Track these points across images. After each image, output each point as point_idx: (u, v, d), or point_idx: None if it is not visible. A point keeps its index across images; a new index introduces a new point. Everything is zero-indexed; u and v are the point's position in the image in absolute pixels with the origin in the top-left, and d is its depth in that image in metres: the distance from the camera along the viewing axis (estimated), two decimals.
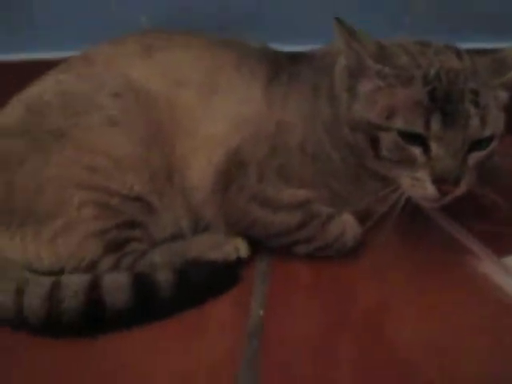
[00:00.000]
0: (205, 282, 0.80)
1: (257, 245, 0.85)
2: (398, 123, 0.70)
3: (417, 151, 0.71)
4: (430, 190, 0.71)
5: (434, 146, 0.69)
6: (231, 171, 0.82)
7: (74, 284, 0.74)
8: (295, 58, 0.87)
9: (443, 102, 0.69)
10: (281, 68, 0.85)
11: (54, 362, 0.71)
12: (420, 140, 0.70)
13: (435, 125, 0.68)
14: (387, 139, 0.71)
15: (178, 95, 0.83)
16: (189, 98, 0.83)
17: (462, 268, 0.80)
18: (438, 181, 0.70)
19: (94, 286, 0.74)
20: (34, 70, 0.86)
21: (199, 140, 0.83)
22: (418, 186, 0.72)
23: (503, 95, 0.75)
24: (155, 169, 0.81)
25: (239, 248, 0.83)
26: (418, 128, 0.69)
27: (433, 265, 0.83)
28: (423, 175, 0.71)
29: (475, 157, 0.72)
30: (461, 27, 0.95)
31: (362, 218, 0.84)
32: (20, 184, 0.78)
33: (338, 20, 0.72)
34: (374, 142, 0.73)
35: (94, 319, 0.74)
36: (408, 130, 0.69)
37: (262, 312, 0.77)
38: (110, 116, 0.80)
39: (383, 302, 0.79)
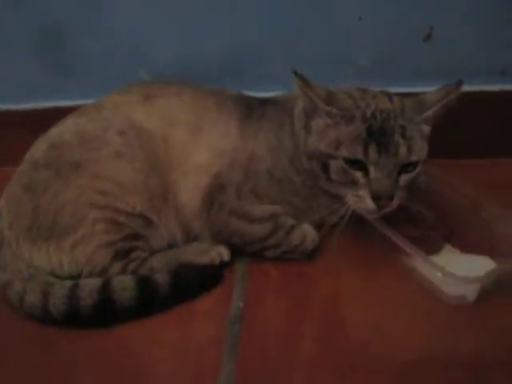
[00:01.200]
0: (195, 281, 0.92)
1: (236, 251, 0.98)
2: (344, 152, 0.84)
3: (358, 174, 0.85)
4: (370, 204, 0.85)
5: (372, 170, 0.84)
6: (214, 192, 0.95)
7: (89, 285, 0.86)
8: (264, 101, 1.01)
9: (378, 135, 0.83)
10: (252, 109, 0.98)
11: (73, 348, 0.85)
12: (361, 165, 0.84)
13: (372, 153, 0.83)
14: (335, 165, 0.86)
15: (171, 133, 0.95)
16: (180, 135, 0.95)
17: (399, 264, 0.93)
18: (376, 197, 0.84)
19: (105, 287, 0.86)
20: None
21: (188, 168, 0.95)
22: (360, 201, 0.86)
23: (426, 128, 0.89)
24: (153, 191, 0.93)
25: (222, 253, 0.95)
26: (359, 156, 0.83)
27: (376, 262, 0.96)
28: (364, 193, 0.85)
29: (405, 178, 0.86)
30: (394, 76, 1.10)
31: (319, 226, 0.98)
32: (45, 206, 0.89)
33: (295, 72, 0.85)
34: (325, 168, 0.87)
35: (105, 314, 0.85)
36: (351, 157, 0.84)
37: (241, 304, 0.90)
38: (117, 150, 0.91)
39: (338, 293, 0.92)
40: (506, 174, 1.16)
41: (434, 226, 0.98)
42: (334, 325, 0.87)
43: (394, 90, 0.93)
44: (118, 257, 0.91)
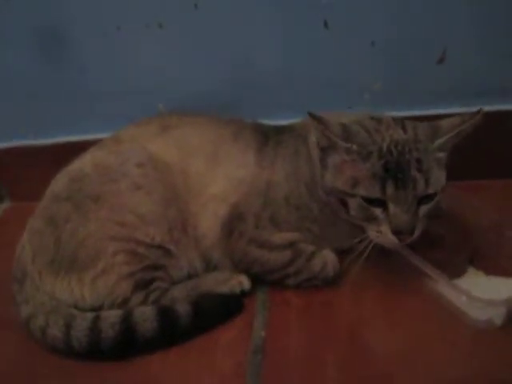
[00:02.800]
0: (216, 311, 0.92)
1: (257, 280, 0.97)
2: (361, 191, 0.83)
3: (377, 211, 0.84)
4: (391, 238, 0.84)
5: (391, 206, 0.82)
6: (233, 221, 0.95)
7: (111, 317, 0.86)
8: (279, 129, 1.02)
9: (395, 171, 0.81)
10: (268, 138, 0.99)
11: (94, 381, 0.84)
12: (379, 202, 0.83)
13: (389, 190, 0.81)
14: (353, 203, 0.85)
15: (188, 164, 0.96)
16: (197, 165, 0.96)
17: (423, 289, 0.92)
18: (397, 232, 0.83)
19: (127, 318, 0.86)
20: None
21: (207, 198, 0.96)
22: (382, 236, 0.85)
23: (442, 155, 0.86)
24: (172, 222, 0.94)
25: (242, 282, 0.95)
26: (377, 194, 0.82)
27: (400, 288, 0.94)
28: (385, 229, 0.84)
29: (424, 209, 0.85)
30: (408, 100, 1.10)
31: (341, 252, 0.97)
32: (66, 239, 0.90)
33: (311, 114, 0.84)
34: (344, 204, 0.87)
35: (126, 345, 0.85)
36: (369, 196, 0.83)
37: (263, 333, 0.89)
38: (135, 182, 0.92)
39: (360, 319, 0.91)
40: None
41: (456, 248, 0.96)
42: (357, 354, 0.85)
43: (408, 113, 0.95)
44: (139, 288, 0.91)
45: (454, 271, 0.93)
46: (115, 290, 0.91)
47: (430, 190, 0.83)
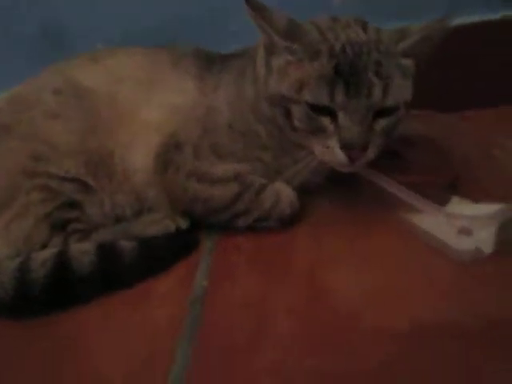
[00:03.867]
0: (165, 247, 0.81)
1: (204, 225, 0.85)
2: (306, 96, 0.71)
3: (325, 121, 0.72)
4: (339, 155, 0.72)
5: (341, 116, 0.70)
6: (168, 152, 0.84)
7: (43, 255, 0.76)
8: (227, 55, 0.90)
9: (347, 74, 0.69)
10: (213, 63, 0.89)
11: (10, 339, 0.73)
12: (328, 110, 0.71)
13: (339, 96, 0.69)
14: (298, 111, 0.73)
15: (118, 90, 0.86)
16: (128, 91, 0.86)
17: (395, 221, 0.78)
18: (346, 147, 0.71)
19: (62, 253, 0.75)
20: None
21: (138, 127, 0.85)
22: (328, 152, 0.73)
23: (407, 63, 0.74)
24: (92, 154, 0.84)
25: (177, 220, 0.83)
26: (324, 100, 0.70)
27: (366, 221, 0.81)
28: (333, 142, 0.72)
29: (382, 123, 0.72)
30: (383, 10, 0.96)
31: (299, 191, 0.84)
32: None
33: (248, 1, 0.71)
34: (288, 114, 0.74)
35: (61, 287, 0.74)
36: (315, 102, 0.71)
37: (205, 283, 0.77)
38: (50, 109, 0.84)
39: (320, 260, 0.77)
40: None
41: (438, 172, 0.81)
42: (316, 297, 0.71)
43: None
44: (56, 229, 0.81)
45: (434, 199, 0.75)
46: (33, 235, 0.81)
47: (389, 101, 0.71)
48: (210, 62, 0.89)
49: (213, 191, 0.81)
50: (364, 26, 0.75)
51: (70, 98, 0.85)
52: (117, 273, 0.76)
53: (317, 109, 0.71)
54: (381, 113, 0.72)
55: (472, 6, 0.93)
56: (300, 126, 0.73)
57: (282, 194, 0.82)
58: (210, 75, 0.87)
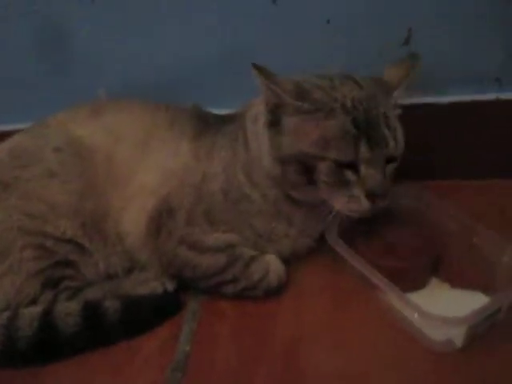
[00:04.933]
0: (149, 309, 0.82)
1: (191, 287, 0.86)
2: (333, 153, 0.74)
3: (348, 174, 0.75)
4: (364, 203, 0.75)
5: (364, 168, 0.74)
6: (161, 217, 0.84)
7: (30, 313, 0.78)
8: (222, 118, 0.91)
9: (365, 128, 0.74)
10: (207, 126, 0.89)
11: None
12: (351, 164, 0.74)
13: (364, 150, 0.73)
14: (324, 167, 0.75)
15: (115, 150, 0.86)
16: (125, 152, 0.86)
17: (374, 302, 0.80)
18: (371, 195, 0.75)
19: (48, 313, 0.77)
20: None
21: (133, 190, 0.86)
22: (353, 202, 0.76)
23: (397, 113, 0.80)
24: (88, 215, 0.84)
25: (165, 283, 0.84)
26: (351, 156, 0.74)
27: (347, 301, 0.82)
28: (358, 192, 0.75)
29: (389, 169, 0.77)
30: None
31: (286, 260, 0.86)
32: None
33: (256, 66, 0.74)
34: (309, 170, 0.76)
35: (47, 345, 0.76)
36: (343, 159, 0.74)
37: (188, 347, 0.78)
38: (49, 168, 0.84)
39: (300, 335, 0.79)
40: (503, 196, 0.99)
41: (418, 255, 0.83)
42: (292, 375, 0.73)
43: None
44: (48, 286, 0.82)
45: (414, 282, 0.80)
46: (23, 289, 0.81)
47: (399, 150, 0.77)
48: (205, 124, 0.90)
49: (202, 259, 0.83)
50: (355, 81, 0.79)
51: (70, 157, 0.85)
52: (100, 333, 0.79)
53: (341, 164, 0.74)
54: (389, 161, 0.77)
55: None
56: (325, 179, 0.76)
57: (271, 267, 0.84)
58: (204, 138, 0.88)
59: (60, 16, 1.00)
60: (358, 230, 0.86)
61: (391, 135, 0.75)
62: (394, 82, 0.80)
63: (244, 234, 0.85)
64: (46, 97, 1.06)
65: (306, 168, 0.76)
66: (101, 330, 0.79)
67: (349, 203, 0.76)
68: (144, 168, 0.86)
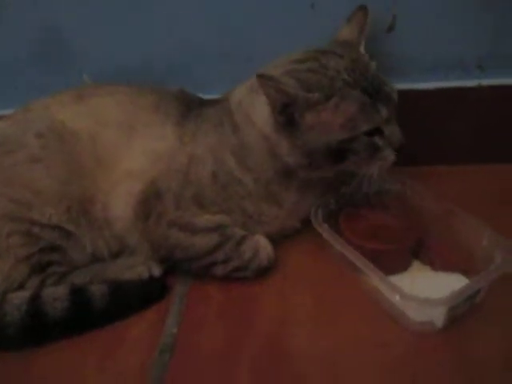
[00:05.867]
0: (135, 294, 0.84)
1: (180, 271, 0.88)
2: (362, 128, 0.77)
3: (377, 139, 0.79)
4: (392, 158, 0.81)
5: (386, 127, 0.79)
6: (149, 201, 0.85)
7: (17, 298, 0.79)
8: (202, 102, 0.93)
9: (373, 92, 0.78)
10: (190, 110, 0.90)
11: None
12: (376, 130, 0.78)
13: (383, 111, 0.78)
14: (356, 145, 0.78)
15: (100, 134, 0.86)
16: (110, 136, 0.87)
17: (358, 285, 0.81)
18: (399, 149, 0.80)
19: (35, 298, 0.79)
20: None
21: (120, 174, 0.86)
22: (383, 160, 0.81)
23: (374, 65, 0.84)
24: (73, 200, 0.85)
25: (151, 268, 0.86)
26: (375, 123, 0.78)
27: (332, 283, 0.84)
28: (388, 152, 0.80)
29: None
30: None
31: (275, 238, 0.89)
32: None
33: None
34: (340, 152, 0.79)
35: (35, 330, 0.78)
36: (370, 127, 0.77)
37: (175, 330, 0.80)
38: (32, 154, 0.84)
39: (285, 316, 0.80)
40: (483, 181, 1.01)
41: (401, 238, 0.84)
42: (276, 354, 0.75)
43: None
44: (35, 271, 0.83)
45: (396, 265, 0.82)
46: (11, 275, 0.83)
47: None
48: (189, 107, 0.91)
49: (194, 240, 0.84)
50: (333, 52, 0.82)
51: (53, 142, 0.85)
52: (88, 317, 0.80)
53: (370, 134, 0.78)
54: None
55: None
56: (359, 155, 0.79)
57: (261, 246, 0.85)
58: (188, 122, 0.89)
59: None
60: (343, 214, 0.88)
61: (390, 88, 0.80)
62: (354, 39, 0.85)
63: (233, 215, 0.86)
64: (32, 81, 1.06)
65: (336, 151, 0.79)
66: (88, 314, 0.80)
67: (382, 165, 0.81)
68: (129, 152, 0.87)
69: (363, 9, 0.87)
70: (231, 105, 0.87)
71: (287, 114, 0.79)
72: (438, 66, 0.95)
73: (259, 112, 0.83)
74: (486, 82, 0.96)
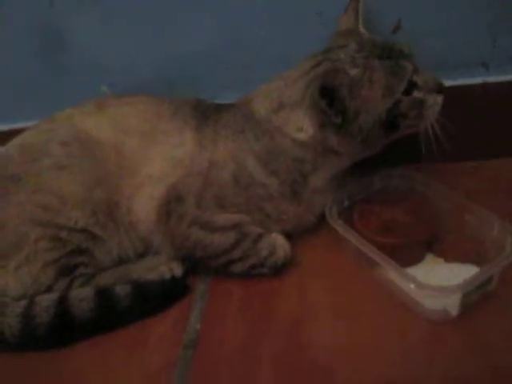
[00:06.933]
0: (158, 293, 0.87)
1: (200, 269, 0.91)
2: (400, 87, 0.82)
3: (416, 92, 0.84)
4: (439, 99, 0.85)
5: (417, 77, 0.84)
6: (170, 204, 0.88)
7: (45, 301, 0.82)
8: (219, 107, 0.96)
9: (390, 53, 0.83)
10: (208, 116, 0.93)
11: (18, 372, 0.80)
12: (410, 86, 0.83)
13: (408, 66, 0.83)
14: (405, 106, 0.83)
15: (123, 142, 0.90)
16: (132, 144, 0.91)
17: (374, 278, 0.84)
18: (440, 89, 0.85)
19: (63, 300, 0.82)
20: None
21: (142, 179, 0.90)
22: (432, 108, 0.85)
23: None
24: (98, 204, 0.88)
25: (173, 268, 0.89)
26: (407, 80, 0.83)
27: (348, 276, 0.86)
28: (433, 98, 0.85)
29: None
30: None
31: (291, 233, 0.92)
32: None
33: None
34: (392, 119, 0.84)
35: (64, 330, 0.81)
36: (406, 83, 0.82)
37: (198, 326, 0.83)
38: (58, 161, 0.87)
39: (303, 310, 0.83)
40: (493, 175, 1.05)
41: (413, 233, 0.87)
42: (296, 347, 0.78)
43: None
44: (63, 274, 0.86)
45: (410, 257, 0.85)
46: (39, 278, 0.86)
47: None
48: (205, 115, 0.94)
49: (213, 238, 0.87)
50: (339, 45, 0.87)
51: (77, 150, 0.89)
52: (113, 317, 0.83)
53: (408, 92, 0.83)
54: None
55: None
56: (413, 115, 0.84)
57: (278, 244, 0.88)
58: (206, 127, 0.92)
59: (61, 16, 1.04)
60: (356, 210, 0.91)
61: (401, 44, 0.86)
62: (352, 24, 0.91)
63: (252, 215, 0.90)
64: (50, 96, 1.09)
65: (389, 122, 0.84)
66: (113, 314, 0.83)
67: (434, 111, 0.85)
68: (150, 158, 0.91)
69: None
70: (253, 113, 0.91)
71: (337, 104, 0.82)
72: (442, 64, 0.98)
73: (294, 123, 0.87)
74: (490, 79, 0.99)
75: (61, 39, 1.06)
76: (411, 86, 0.84)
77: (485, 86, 1.00)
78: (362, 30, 0.91)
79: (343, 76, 0.82)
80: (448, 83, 0.92)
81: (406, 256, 0.84)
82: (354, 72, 0.82)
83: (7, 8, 1.04)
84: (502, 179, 1.03)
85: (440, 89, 0.85)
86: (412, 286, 0.75)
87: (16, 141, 0.93)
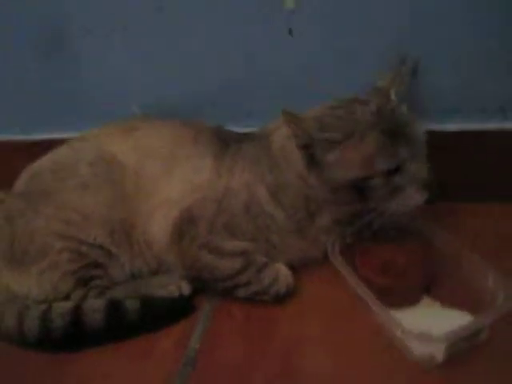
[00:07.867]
0: (164, 310, 0.93)
1: (208, 290, 0.96)
2: (380, 167, 0.82)
3: (397, 177, 0.83)
4: (417, 198, 0.84)
5: (411, 166, 0.83)
6: (183, 225, 0.93)
7: (61, 308, 0.89)
8: (239, 137, 1.00)
9: (395, 132, 0.82)
10: (228, 145, 0.98)
11: (25, 372, 0.88)
12: (396, 169, 0.83)
13: (403, 151, 0.82)
14: (375, 183, 0.83)
15: (144, 166, 0.96)
16: (152, 167, 0.96)
17: (367, 317, 0.85)
18: (425, 186, 0.84)
19: (77, 308, 0.89)
20: None
21: (159, 201, 0.95)
22: (408, 199, 0.84)
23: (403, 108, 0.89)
24: (116, 225, 0.94)
25: (182, 287, 0.94)
26: (395, 162, 0.82)
27: (345, 313, 0.89)
28: (410, 191, 0.84)
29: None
30: None
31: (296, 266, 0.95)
32: (19, 233, 0.93)
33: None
34: (363, 191, 0.84)
35: (76, 337, 0.89)
36: (390, 167, 0.82)
37: (198, 345, 0.88)
38: (83, 181, 0.94)
39: (299, 339, 0.86)
40: (499, 221, 1.04)
41: (412, 275, 0.89)
42: (287, 376, 0.81)
43: None
44: (80, 284, 0.93)
45: (405, 299, 0.86)
46: (59, 286, 0.93)
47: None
48: (225, 143, 0.99)
49: (220, 263, 0.91)
50: (362, 101, 0.88)
51: (102, 170, 0.95)
52: (122, 329, 0.90)
53: (390, 173, 0.83)
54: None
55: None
56: (380, 193, 0.84)
57: (281, 274, 0.92)
58: (226, 156, 0.97)
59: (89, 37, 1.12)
60: (358, 248, 0.93)
61: (415, 129, 0.84)
62: (386, 86, 0.90)
63: (259, 244, 0.94)
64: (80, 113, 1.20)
65: (359, 188, 0.85)
66: (122, 326, 0.90)
67: (404, 202, 0.85)
68: (169, 181, 0.96)
69: (402, 59, 0.93)
70: (271, 144, 0.95)
71: (311, 154, 0.86)
72: (458, 108, 0.99)
73: (296, 151, 0.89)
74: (508, 125, 0.99)
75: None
76: (397, 170, 0.83)
77: (502, 132, 0.99)
78: (393, 95, 0.90)
79: (308, 138, 0.84)
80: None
81: (402, 298, 0.86)
82: (332, 136, 0.84)
83: None
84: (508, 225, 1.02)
85: (425, 186, 0.84)
86: (399, 331, 0.77)
87: (51, 155, 1.01)
